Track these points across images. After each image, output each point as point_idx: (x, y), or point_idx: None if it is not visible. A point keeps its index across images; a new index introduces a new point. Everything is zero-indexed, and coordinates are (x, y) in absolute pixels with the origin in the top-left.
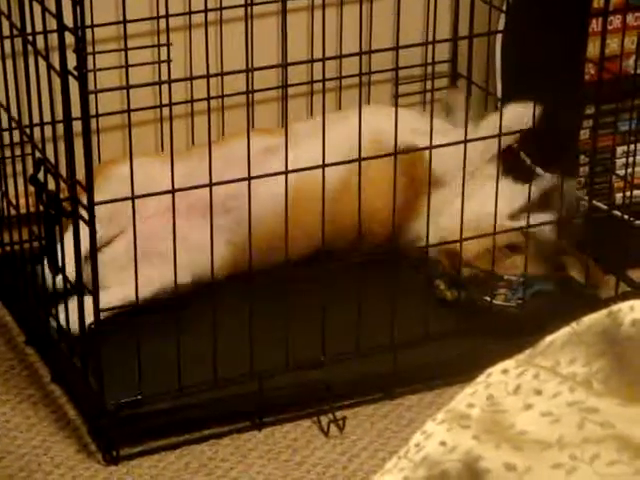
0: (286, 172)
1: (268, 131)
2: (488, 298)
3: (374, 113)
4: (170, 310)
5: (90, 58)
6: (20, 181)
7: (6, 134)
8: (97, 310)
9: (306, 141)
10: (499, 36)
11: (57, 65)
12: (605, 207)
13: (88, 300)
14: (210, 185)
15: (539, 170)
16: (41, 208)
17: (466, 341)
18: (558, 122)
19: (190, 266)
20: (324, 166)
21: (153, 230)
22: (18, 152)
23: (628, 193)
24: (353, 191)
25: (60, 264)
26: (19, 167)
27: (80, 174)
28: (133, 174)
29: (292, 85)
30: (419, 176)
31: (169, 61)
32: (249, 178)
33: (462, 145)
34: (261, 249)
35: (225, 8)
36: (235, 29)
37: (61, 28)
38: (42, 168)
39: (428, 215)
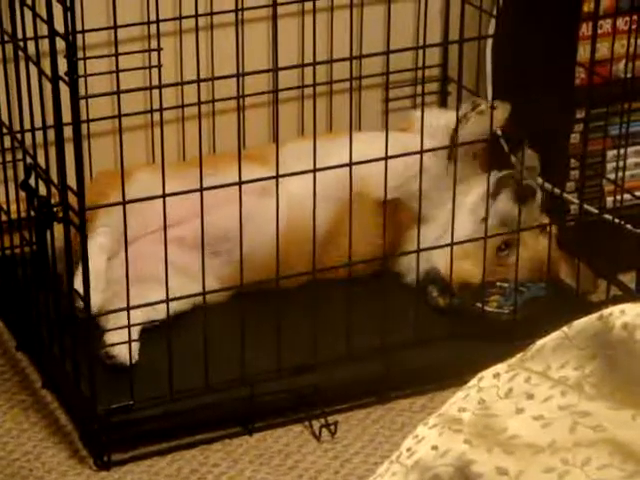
0: (277, 176)
1: (260, 158)
2: (480, 305)
3: (364, 150)
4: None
5: (81, 63)
6: (11, 187)
7: None
8: (89, 314)
9: (295, 181)
10: (489, 40)
11: (48, 71)
12: (596, 211)
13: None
14: (201, 190)
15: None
16: (32, 213)
17: (458, 345)
18: (549, 126)
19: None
20: (315, 170)
21: (148, 252)
22: (9, 158)
23: (619, 197)
24: (338, 237)
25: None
26: (10, 173)
27: (71, 179)
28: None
29: (283, 90)
30: (401, 220)
31: (160, 66)
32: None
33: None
34: (251, 284)
35: (216, 13)
36: (226, 34)
37: (52, 34)
38: (33, 173)
39: (419, 221)
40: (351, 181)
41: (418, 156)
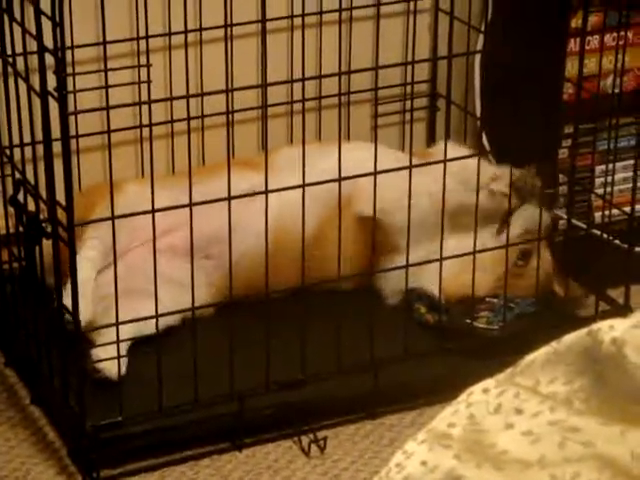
0: (266, 192)
1: (250, 164)
2: (469, 321)
3: (350, 165)
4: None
5: (70, 79)
6: None
7: None
8: (78, 327)
9: (287, 180)
10: (478, 56)
11: (37, 86)
12: (584, 226)
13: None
14: (190, 205)
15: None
16: (21, 229)
17: (447, 360)
18: (537, 141)
19: (176, 307)
20: (304, 186)
21: (138, 265)
22: None
23: (607, 212)
24: (323, 243)
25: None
26: None
27: (60, 195)
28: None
29: (272, 105)
30: (378, 243)
31: (149, 82)
32: (230, 197)
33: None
34: (240, 290)
35: (205, 29)
36: (215, 50)
37: (41, 49)
38: (22, 189)
39: (409, 232)
40: (340, 190)
41: (414, 186)
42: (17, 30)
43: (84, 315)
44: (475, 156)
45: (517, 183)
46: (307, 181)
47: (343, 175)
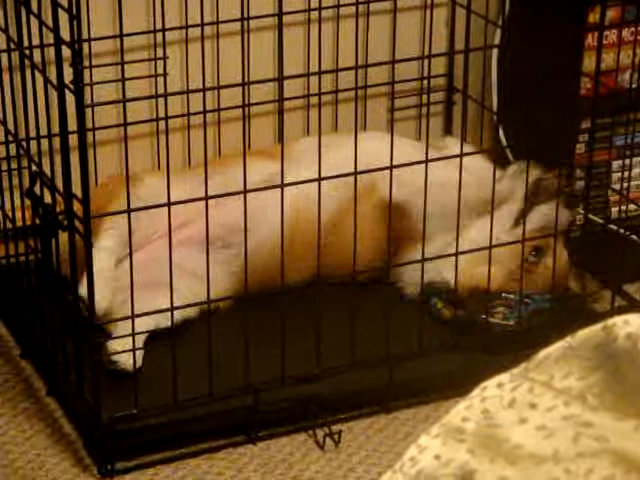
0: (282, 185)
1: (267, 154)
2: (485, 316)
3: (370, 150)
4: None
5: (87, 72)
6: (16, 194)
7: (2, 147)
8: (93, 322)
9: (304, 171)
10: (495, 50)
11: (54, 79)
12: (601, 221)
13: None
14: (206, 199)
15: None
16: (37, 221)
17: (462, 355)
18: (554, 136)
19: (194, 299)
20: (320, 179)
21: (159, 257)
22: (14, 165)
23: (624, 207)
24: (341, 229)
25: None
26: (15, 180)
27: (76, 187)
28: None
29: (288, 99)
30: (401, 229)
31: (165, 74)
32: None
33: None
34: (259, 279)
35: (222, 22)
36: (231, 43)
37: (58, 42)
38: (38, 181)
39: (424, 227)
40: (356, 182)
41: (438, 172)
42: (34, 22)
43: (101, 304)
44: (489, 150)
45: (537, 183)
46: (326, 170)
47: (363, 162)
